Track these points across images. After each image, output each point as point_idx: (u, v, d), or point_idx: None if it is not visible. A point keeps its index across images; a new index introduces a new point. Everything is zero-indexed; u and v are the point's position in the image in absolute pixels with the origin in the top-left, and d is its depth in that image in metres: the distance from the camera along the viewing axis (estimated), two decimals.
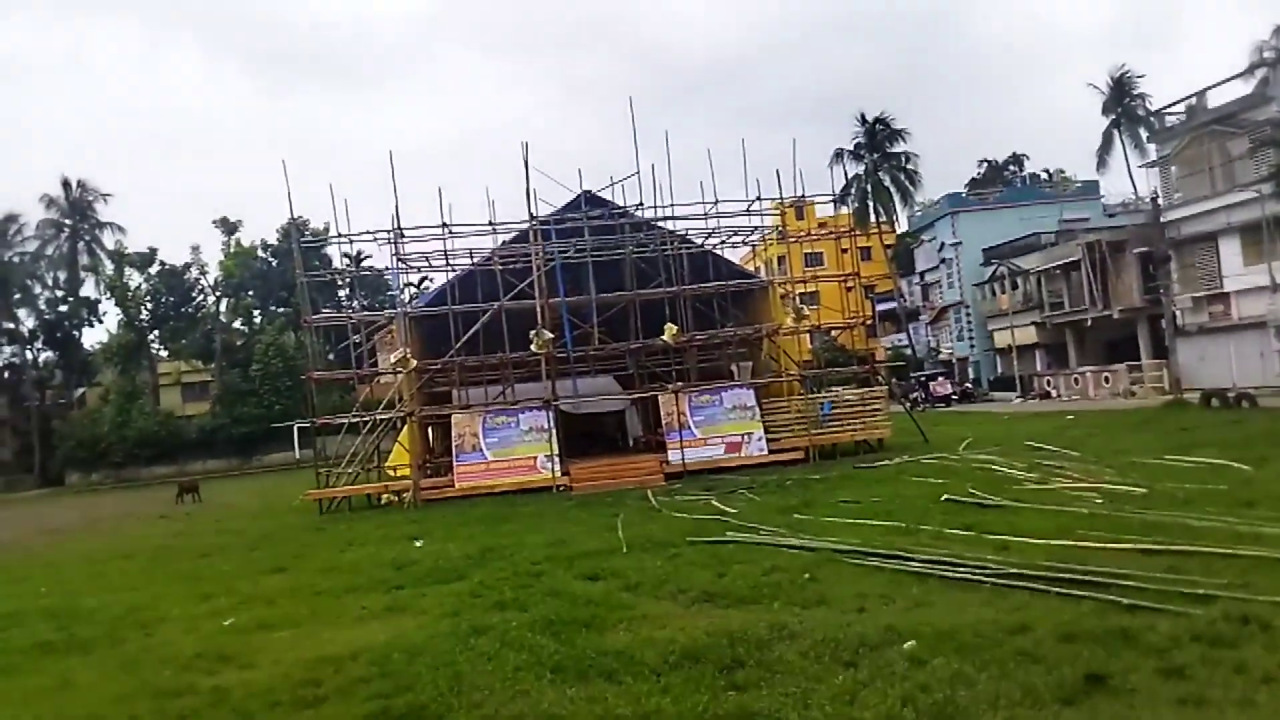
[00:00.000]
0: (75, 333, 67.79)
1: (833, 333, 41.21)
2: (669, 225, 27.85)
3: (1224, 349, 37.54)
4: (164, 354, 69.88)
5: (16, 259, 66.13)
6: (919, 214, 66.79)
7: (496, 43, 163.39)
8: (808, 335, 32.53)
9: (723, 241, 30.53)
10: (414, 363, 25.89)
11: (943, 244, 62.84)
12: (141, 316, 65.11)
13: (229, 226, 68.65)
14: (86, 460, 60.67)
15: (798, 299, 29.38)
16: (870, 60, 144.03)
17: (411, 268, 31.72)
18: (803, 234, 34.58)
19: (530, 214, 26.18)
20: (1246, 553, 9.15)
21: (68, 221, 67.18)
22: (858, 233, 50.68)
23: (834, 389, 31.69)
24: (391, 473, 27.42)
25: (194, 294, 68.10)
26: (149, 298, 65.54)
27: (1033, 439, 23.56)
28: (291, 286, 51.61)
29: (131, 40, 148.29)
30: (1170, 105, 44.01)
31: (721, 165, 25.83)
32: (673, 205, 27.03)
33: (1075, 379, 45.54)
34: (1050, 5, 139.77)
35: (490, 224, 26.67)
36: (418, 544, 16.38)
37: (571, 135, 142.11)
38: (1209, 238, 38.46)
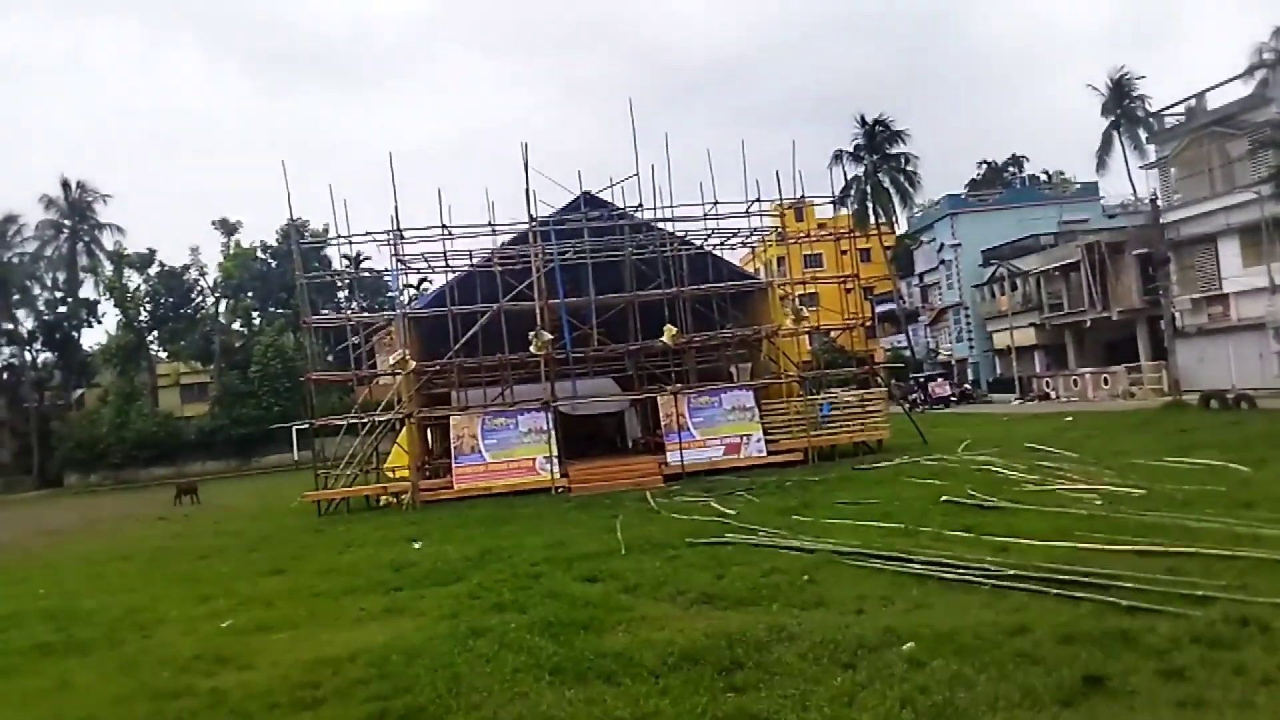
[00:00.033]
0: (74, 334, 67.72)
1: (832, 334, 41.21)
2: (668, 226, 27.88)
3: (1223, 350, 37.55)
4: (163, 355, 69.86)
5: (16, 260, 66.05)
6: (918, 215, 66.85)
7: (496, 43, 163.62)
8: (807, 337, 32.51)
9: (722, 243, 30.55)
10: (413, 364, 25.88)
11: (942, 245, 62.85)
12: (140, 317, 65.09)
13: (228, 227, 68.70)
14: (85, 461, 60.60)
15: (797, 300, 29.38)
16: (870, 61, 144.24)
17: (411, 269, 31.77)
18: (802, 235, 34.58)
19: (530, 215, 26.19)
20: (1245, 554, 9.15)
21: (67, 222, 67.11)
22: (857, 234, 50.62)
23: (833, 390, 31.69)
24: (390, 474, 27.39)
25: (193, 295, 68.10)
26: (148, 299, 65.51)
27: (1032, 440, 23.57)
28: (291, 288, 51.61)
29: (131, 40, 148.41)
30: (1170, 107, 44.03)
31: (721, 166, 26.05)
32: (672, 206, 27.05)
33: (1074, 380, 45.54)
34: (1050, 6, 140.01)
35: (490, 225, 26.70)
36: (416, 546, 16.38)
37: (571, 136, 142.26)
38: (1208, 239, 38.47)
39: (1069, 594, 8.28)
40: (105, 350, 66.60)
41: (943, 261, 63.38)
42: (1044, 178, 77.61)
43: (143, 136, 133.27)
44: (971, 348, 60.71)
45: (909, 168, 60.69)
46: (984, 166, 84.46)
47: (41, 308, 67.04)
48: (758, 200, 27.62)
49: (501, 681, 7.52)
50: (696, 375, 28.42)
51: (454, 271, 29.45)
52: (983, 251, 58.68)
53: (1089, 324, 46.96)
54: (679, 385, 26.93)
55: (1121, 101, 57.27)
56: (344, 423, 28.09)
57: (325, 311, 49.57)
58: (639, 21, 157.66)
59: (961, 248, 60.62)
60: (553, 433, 25.10)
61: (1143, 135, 54.33)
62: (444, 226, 26.46)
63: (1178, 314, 38.58)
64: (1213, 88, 39.81)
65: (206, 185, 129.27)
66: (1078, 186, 66.34)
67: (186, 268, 67.11)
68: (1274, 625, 6.92)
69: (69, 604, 13.64)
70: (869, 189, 60.31)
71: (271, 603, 12.20)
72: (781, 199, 28.29)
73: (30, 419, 64.11)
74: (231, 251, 68.22)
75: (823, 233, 38.55)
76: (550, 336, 25.52)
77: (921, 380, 55.17)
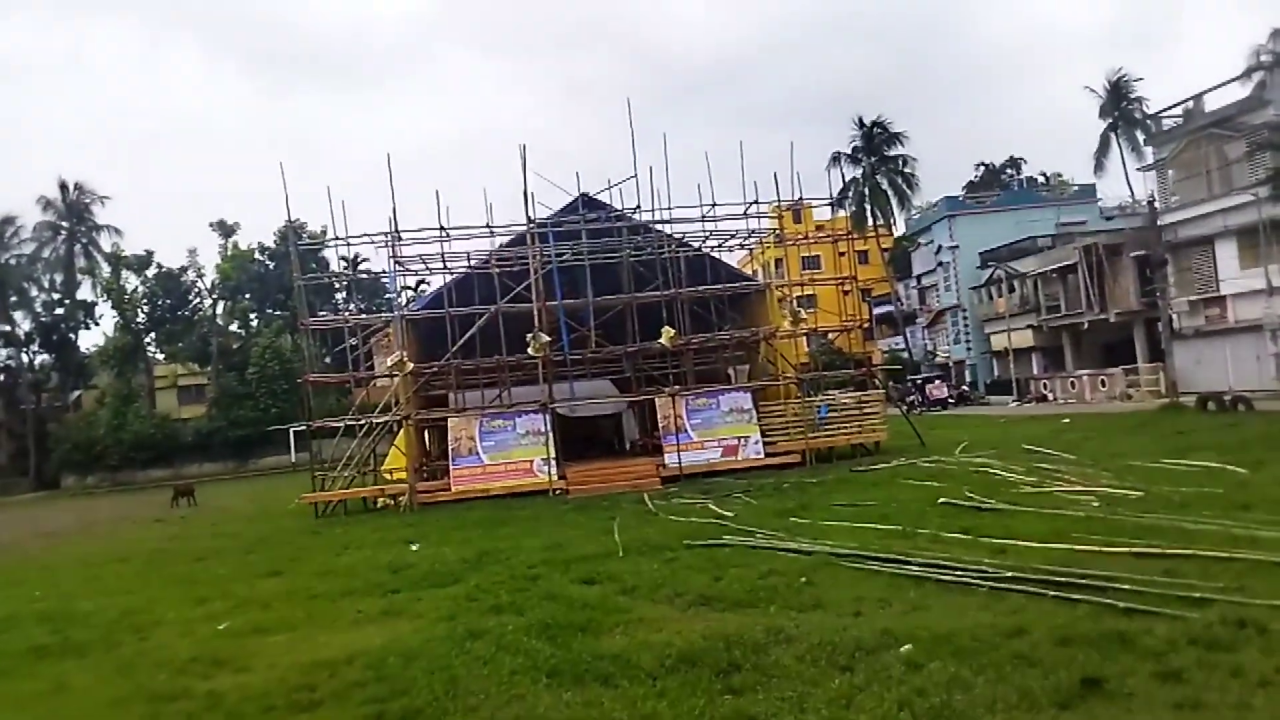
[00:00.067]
0: (71, 335, 67.64)
1: (830, 336, 41.23)
2: (666, 228, 27.87)
3: (1220, 352, 37.59)
4: (160, 357, 69.71)
5: (13, 261, 65.96)
6: (916, 217, 66.90)
7: (495, 44, 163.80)
8: (805, 338, 32.53)
9: (720, 245, 30.55)
10: (410, 366, 25.87)
11: (940, 247, 62.91)
12: (138, 319, 64.95)
13: (226, 229, 68.64)
14: (82, 463, 60.47)
15: (795, 302, 29.41)
16: (867, 63, 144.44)
17: (409, 271, 31.76)
18: (800, 237, 34.60)
19: (527, 217, 26.18)
20: (1243, 556, 9.16)
21: (64, 224, 67.04)
22: (855, 236, 50.63)
23: (831, 392, 31.70)
24: (388, 476, 27.39)
25: (190, 297, 68.01)
26: (145, 300, 65.39)
27: (1029, 442, 23.59)
28: (288, 289, 51.52)
29: (129, 41, 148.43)
30: (1167, 109, 44.09)
31: (719, 168, 26.02)
32: (670, 208, 27.03)
33: (1071, 382, 45.58)
34: (1048, 9, 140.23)
35: (488, 227, 26.70)
36: (414, 547, 16.37)
37: (569, 137, 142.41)
38: (1206, 241, 38.52)
39: (1066, 596, 8.28)
40: (102, 352, 66.49)
41: (940, 263, 63.44)
42: (1042, 180, 77.73)
43: (140, 137, 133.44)
44: (969, 350, 60.76)
45: (907, 169, 60.74)
46: (982, 168, 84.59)
47: (39, 309, 67.00)
48: (756, 202, 27.66)
49: (499, 684, 7.51)
50: (694, 377, 28.41)
51: (452, 273, 29.44)
52: (980, 253, 58.73)
53: (1086, 326, 47.01)
54: (677, 387, 26.93)
55: (1119, 103, 57.34)
56: (341, 424, 28.05)
57: (323, 313, 49.47)
58: (638, 22, 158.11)
59: (959, 250, 60.68)
60: (550, 434, 25.09)
61: (1140, 137, 54.39)
62: (442, 228, 26.46)
63: (1175, 316, 38.63)
64: (1210, 90, 39.91)
65: (204, 187, 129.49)
66: (1075, 188, 66.40)
67: (184, 269, 67.11)
68: (1271, 627, 6.92)
69: (65, 606, 13.62)
70: (867, 191, 60.34)
71: (268, 605, 12.18)
72: (780, 201, 28.30)
73: (27, 421, 64.01)
74: (229, 253, 68.16)
75: (821, 235, 38.54)
76: (548, 338, 25.52)
77: (919, 382, 55.20)
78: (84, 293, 67.40)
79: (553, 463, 24.75)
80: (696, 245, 29.07)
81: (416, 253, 28.38)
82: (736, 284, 29.79)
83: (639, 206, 26.91)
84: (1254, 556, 9.12)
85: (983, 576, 9.30)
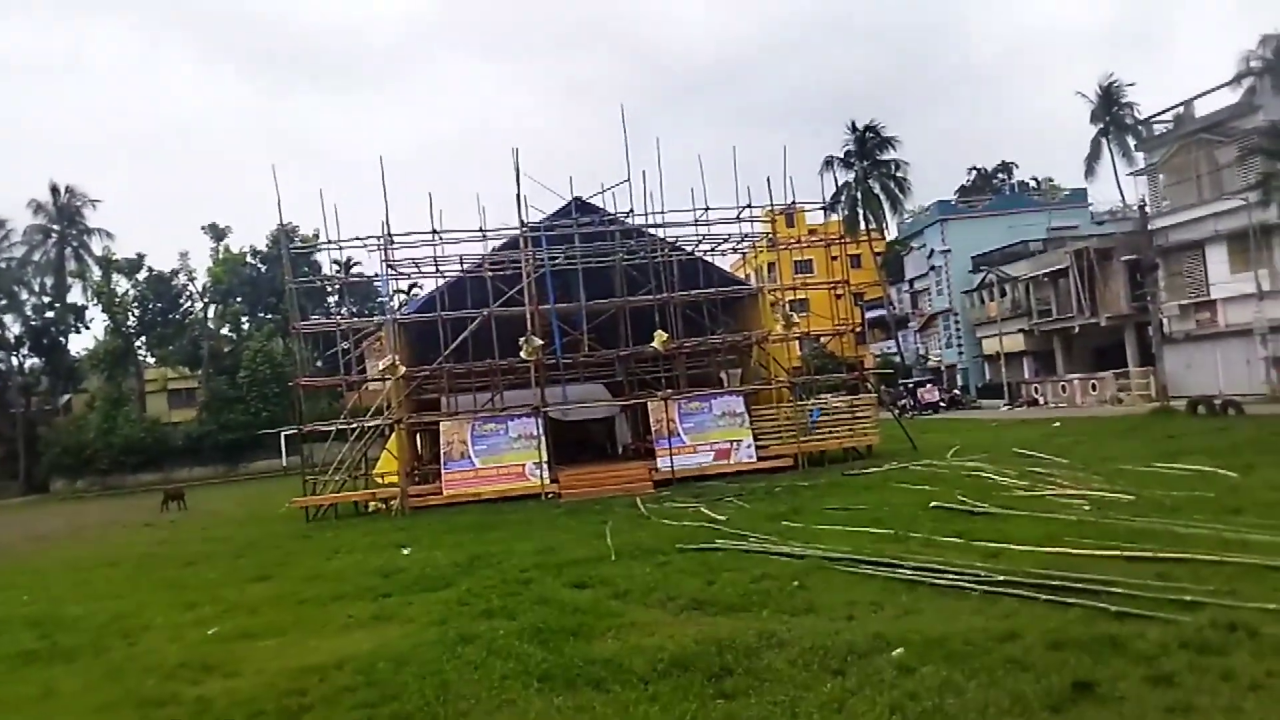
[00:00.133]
0: (62, 339, 67.33)
1: (822, 340, 41.21)
2: (659, 232, 27.88)
3: (1210, 356, 37.74)
4: (151, 360, 69.50)
5: (3, 264, 65.64)
6: (908, 221, 67.05)
7: (490, 45, 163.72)
8: (797, 342, 32.56)
9: (713, 248, 30.57)
10: (402, 369, 25.82)
11: (932, 251, 63.07)
12: (129, 323, 64.75)
13: (218, 232, 68.41)
14: (72, 467, 60.20)
15: (787, 306, 29.42)
16: (860, 68, 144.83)
17: (401, 274, 31.72)
18: (793, 241, 34.65)
19: (520, 220, 26.16)
20: (1234, 560, 9.17)
21: (55, 227, 66.77)
22: (847, 240, 50.65)
23: (823, 396, 31.76)
24: (379, 480, 27.31)
25: (181, 300, 67.81)
26: (136, 304, 65.21)
27: (1021, 446, 23.64)
28: (280, 293, 51.42)
29: (123, 44, 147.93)
30: (1159, 114, 44.40)
31: (712, 172, 26.05)
32: (663, 212, 27.04)
33: (1063, 386, 45.71)
34: (1040, 14, 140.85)
35: (480, 230, 26.65)
36: (405, 552, 16.31)
37: (563, 140, 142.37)
38: (1196, 245, 38.70)
39: (1058, 599, 8.28)
40: (93, 355, 66.24)
41: (932, 268, 63.61)
42: (1033, 184, 77.97)
43: (132, 140, 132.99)
44: (961, 353, 60.91)
45: (899, 174, 60.78)
46: (974, 173, 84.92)
47: (29, 313, 66.65)
48: (749, 206, 27.68)
49: (490, 689, 7.48)
50: (687, 381, 28.41)
51: (444, 277, 29.41)
52: (972, 258, 58.93)
53: (1077, 330, 47.16)
54: (669, 391, 26.93)
55: (1110, 109, 57.54)
56: (333, 428, 27.97)
57: (315, 317, 49.44)
58: (635, 24, 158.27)
59: (951, 254, 60.83)
60: (543, 438, 25.06)
61: (1131, 142, 54.59)
62: (434, 231, 26.43)
63: (1166, 320, 38.78)
64: (1201, 95, 40.16)
65: (196, 190, 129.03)
66: (1067, 193, 66.62)
67: (175, 273, 66.91)
68: (1262, 631, 6.93)
69: (54, 610, 13.54)
70: (859, 195, 60.42)
71: (258, 609, 12.13)
72: (773, 205, 28.32)
73: (17, 425, 63.68)
74: (221, 256, 67.96)
75: (813, 239, 38.66)
76: (540, 342, 25.50)
77: (911, 386, 55.30)
78: (74, 296, 67.26)
79: (545, 466, 24.71)
80: (689, 249, 29.08)
81: (409, 256, 28.39)
82: (729, 288, 29.82)
83: (632, 210, 26.95)
84: (1245, 560, 9.13)
85: (975, 580, 9.30)
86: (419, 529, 19.72)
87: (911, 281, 68.34)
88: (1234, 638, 6.85)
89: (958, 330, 61.01)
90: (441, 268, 29.18)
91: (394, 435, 26.78)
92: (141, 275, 65.90)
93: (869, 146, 60.82)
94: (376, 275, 32.59)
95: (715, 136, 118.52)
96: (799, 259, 49.60)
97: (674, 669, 7.40)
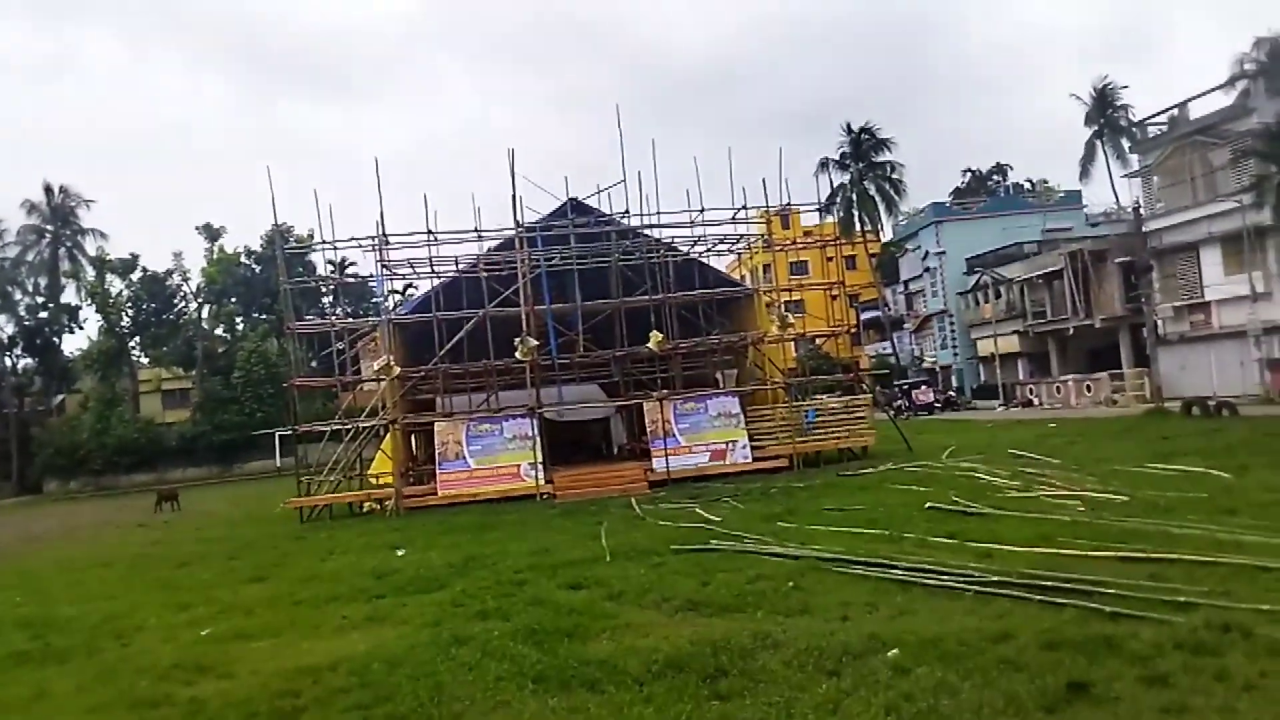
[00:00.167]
0: (55, 339, 67.11)
1: (817, 341, 41.28)
2: (655, 233, 27.88)
3: (1205, 358, 37.85)
4: (145, 361, 69.27)
5: None
6: (903, 223, 67.17)
7: (485, 48, 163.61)
8: (792, 343, 32.58)
9: (709, 249, 30.57)
10: (397, 370, 25.77)
11: (927, 253, 63.18)
12: (122, 323, 64.49)
13: (212, 233, 68.21)
14: (65, 468, 59.98)
15: (782, 307, 29.45)
16: (854, 71, 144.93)
17: (396, 275, 31.65)
18: (788, 242, 34.68)
19: (516, 221, 26.14)
20: (1227, 560, 9.20)
21: (49, 227, 66.52)
22: (843, 241, 50.80)
23: (818, 397, 31.77)
24: (374, 480, 27.26)
25: (176, 300, 67.56)
26: (130, 304, 64.94)
27: (1015, 447, 23.68)
28: (274, 293, 51.31)
29: (115, 44, 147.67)
30: (1152, 116, 44.48)
31: (707, 173, 26.04)
32: (659, 213, 27.04)
33: (1057, 387, 45.80)
34: (1035, 17, 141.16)
35: (475, 231, 26.61)
36: (399, 553, 16.28)
37: (558, 141, 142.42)
38: (1190, 247, 38.80)
39: (1052, 600, 8.30)
40: (86, 356, 66.00)
41: (927, 269, 63.71)
42: (1028, 186, 78.14)
43: (126, 141, 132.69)
44: (956, 355, 61.00)
45: (894, 176, 60.88)
46: (968, 175, 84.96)
47: (22, 313, 66.44)
48: (744, 207, 27.69)
49: (484, 690, 7.47)
50: (682, 382, 28.40)
51: (439, 277, 29.37)
52: (967, 259, 59.02)
53: (1072, 331, 47.25)
54: (665, 391, 26.92)
55: (1105, 111, 57.71)
56: (328, 429, 27.93)
57: (309, 317, 49.30)
58: (629, 26, 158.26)
59: (946, 255, 60.97)
60: (538, 439, 25.04)
61: (1125, 144, 54.78)
62: (429, 232, 26.39)
63: (1160, 322, 38.88)
64: (1195, 98, 40.27)
65: (190, 190, 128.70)
66: (1061, 195, 66.82)
67: (169, 273, 66.66)
68: (1256, 631, 6.94)
69: (47, 611, 13.49)
70: (854, 197, 60.50)
71: (252, 610, 12.09)
72: (768, 206, 28.33)
73: (10, 425, 63.40)
74: (215, 257, 67.77)
75: (809, 240, 38.68)
76: (536, 342, 25.47)
77: (906, 387, 55.36)
78: (68, 296, 67.00)
79: (540, 467, 24.69)
80: (685, 250, 29.08)
81: (404, 257, 28.34)
82: (724, 289, 29.83)
83: (628, 211, 26.93)
84: (1238, 561, 9.16)
85: (969, 581, 9.30)
86: (414, 530, 19.69)
87: (906, 283, 68.44)
88: (1228, 638, 6.87)
89: (953, 331, 61.10)
90: (437, 268, 29.14)
91: (389, 436, 26.73)
92: (135, 275, 65.67)
93: (864, 148, 60.93)
94: (371, 276, 32.60)
95: (710, 138, 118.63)
96: (794, 260, 49.68)
97: (669, 670, 7.40)
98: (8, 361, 66.79)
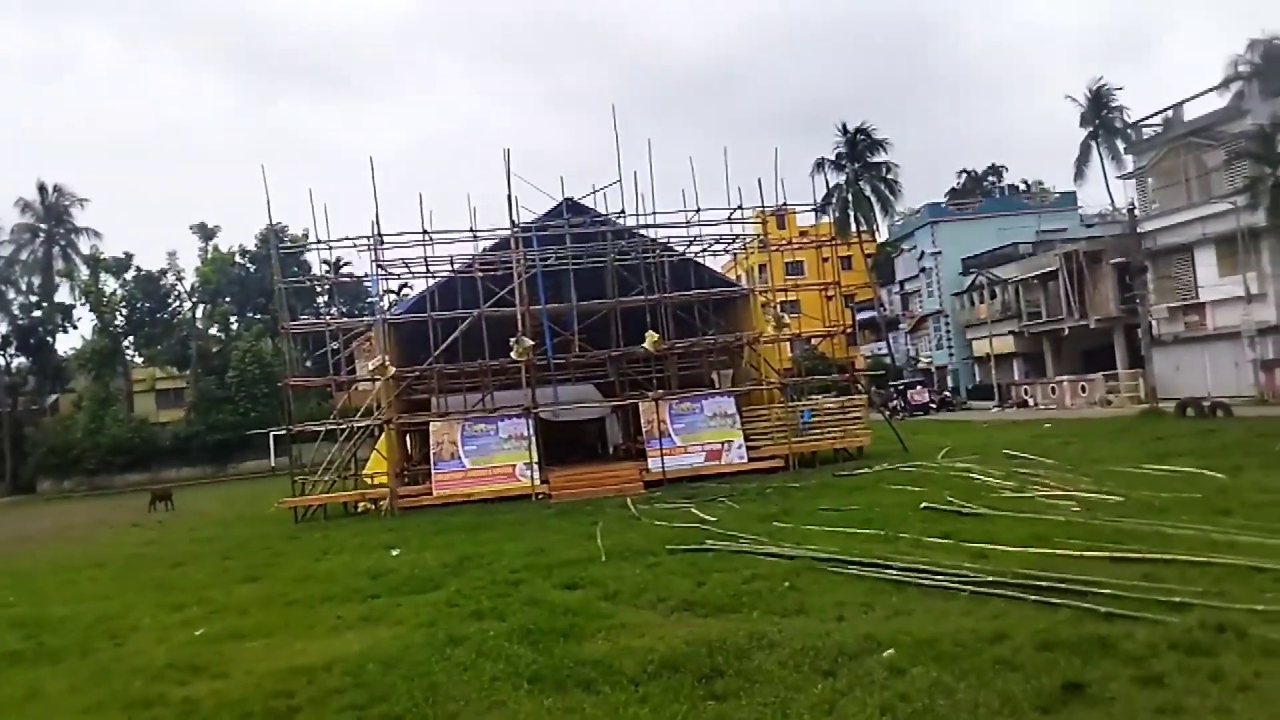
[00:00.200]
0: (49, 338, 66.86)
1: (813, 341, 41.32)
2: (651, 233, 27.86)
3: (1199, 359, 37.95)
4: (139, 360, 69.07)
5: None
6: (899, 223, 67.24)
7: (481, 47, 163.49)
8: (788, 344, 32.59)
9: (704, 250, 30.57)
10: (392, 370, 25.73)
11: (922, 253, 63.25)
12: (116, 322, 64.31)
13: (206, 232, 68.03)
14: (59, 467, 59.81)
15: (778, 307, 29.47)
16: (850, 72, 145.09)
17: (391, 274, 31.61)
18: (784, 243, 34.71)
19: (511, 221, 26.10)
20: (1222, 561, 9.21)
21: (43, 226, 66.33)
22: (838, 242, 50.84)
23: (814, 397, 31.78)
24: (369, 480, 27.20)
25: (170, 300, 67.35)
26: (124, 303, 64.79)
27: (1010, 447, 23.72)
28: (269, 293, 51.15)
29: (110, 44, 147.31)
30: (1147, 117, 44.58)
31: (703, 174, 26.01)
32: (654, 213, 27.03)
33: (1052, 388, 45.88)
34: (1031, 18, 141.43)
35: (471, 231, 26.59)
36: (394, 553, 16.25)
37: (556, 140, 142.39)
38: (1185, 249, 38.90)
39: (1047, 600, 8.30)
40: (80, 355, 65.83)
41: (923, 269, 63.78)
42: (1023, 187, 78.21)
43: (120, 140, 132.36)
44: (951, 355, 61.07)
45: (890, 176, 60.99)
46: (964, 175, 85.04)
47: (16, 312, 66.20)
48: (740, 207, 27.68)
49: (479, 690, 7.45)
50: (678, 382, 28.40)
51: (435, 277, 29.33)
52: (962, 260, 59.11)
53: (1067, 332, 47.34)
54: (660, 391, 26.92)
55: (1100, 112, 57.82)
56: (322, 428, 27.87)
57: (304, 317, 49.21)
58: (625, 27, 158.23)
59: (941, 256, 61.04)
60: (533, 439, 25.01)
61: (1121, 146, 54.88)
62: (425, 232, 26.35)
63: (1154, 322, 38.97)
64: (1190, 99, 40.37)
65: (184, 189, 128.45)
66: (1056, 196, 66.89)
67: (164, 272, 66.44)
68: (1251, 631, 6.95)
69: (40, 612, 13.44)
70: (850, 197, 60.56)
71: (246, 610, 12.06)
72: (764, 206, 28.33)
73: (3, 424, 63.22)
74: (209, 256, 67.59)
75: (804, 240, 38.71)
76: (531, 342, 25.45)
77: (901, 387, 55.42)
78: (62, 295, 66.80)
79: (535, 467, 24.66)
80: (681, 250, 29.07)
81: (399, 256, 28.29)
82: (720, 289, 29.83)
83: (624, 211, 26.91)
84: (1233, 561, 9.17)
85: (964, 581, 9.31)
86: (408, 530, 19.66)
87: (902, 283, 68.50)
88: (1223, 639, 6.87)
89: (948, 332, 61.18)
90: (432, 268, 29.10)
91: (383, 436, 26.67)
92: (129, 275, 65.47)
93: (860, 149, 61.00)
94: (366, 275, 32.52)
95: (707, 139, 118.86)
96: (790, 260, 49.85)
97: (664, 670, 7.39)
98: (1, 361, 66.61)
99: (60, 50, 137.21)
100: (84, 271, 65.73)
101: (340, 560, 16.19)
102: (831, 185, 60.61)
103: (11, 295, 66.30)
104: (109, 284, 64.86)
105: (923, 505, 15.06)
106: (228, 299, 67.54)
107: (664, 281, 27.30)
